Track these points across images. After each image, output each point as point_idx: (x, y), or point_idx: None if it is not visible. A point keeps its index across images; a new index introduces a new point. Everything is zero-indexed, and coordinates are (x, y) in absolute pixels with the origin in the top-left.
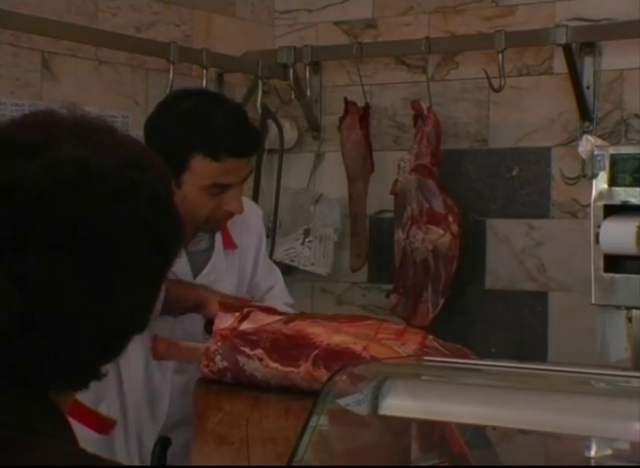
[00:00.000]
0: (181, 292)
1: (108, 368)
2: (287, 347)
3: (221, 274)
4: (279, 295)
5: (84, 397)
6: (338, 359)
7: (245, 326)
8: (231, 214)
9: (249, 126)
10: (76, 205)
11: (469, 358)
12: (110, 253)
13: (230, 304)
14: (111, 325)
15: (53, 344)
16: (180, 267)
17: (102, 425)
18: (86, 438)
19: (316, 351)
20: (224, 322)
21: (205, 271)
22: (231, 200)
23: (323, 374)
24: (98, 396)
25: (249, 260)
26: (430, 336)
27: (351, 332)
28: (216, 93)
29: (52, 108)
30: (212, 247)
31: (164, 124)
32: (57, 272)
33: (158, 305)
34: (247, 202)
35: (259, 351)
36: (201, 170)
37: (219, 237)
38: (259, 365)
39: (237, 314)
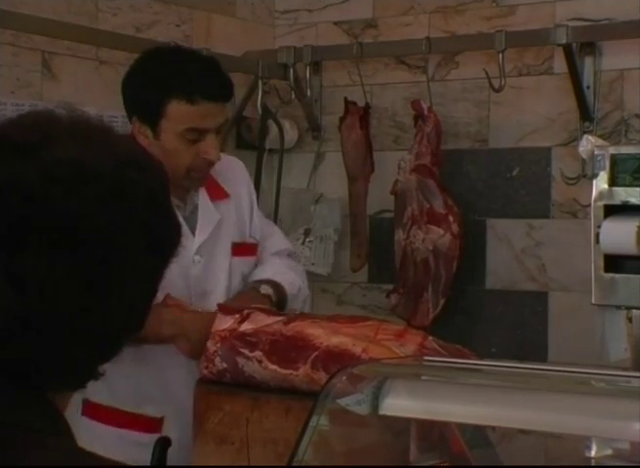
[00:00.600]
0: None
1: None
2: (286, 349)
3: (219, 225)
4: (279, 242)
5: (124, 404)
6: (336, 361)
7: (245, 327)
8: (210, 164)
9: (222, 72)
10: (72, 205)
11: (469, 358)
12: (107, 252)
13: (229, 307)
14: (109, 324)
15: (50, 344)
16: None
17: (150, 425)
18: (135, 439)
19: (315, 353)
20: (223, 323)
21: (198, 226)
22: (208, 148)
23: (322, 377)
24: (140, 400)
25: (245, 209)
26: (430, 337)
27: (351, 334)
28: (189, 47)
29: (49, 108)
30: None
31: (139, 76)
32: (54, 272)
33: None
34: (227, 156)
35: (257, 353)
36: (177, 114)
37: (203, 192)
38: (258, 367)
39: (237, 316)
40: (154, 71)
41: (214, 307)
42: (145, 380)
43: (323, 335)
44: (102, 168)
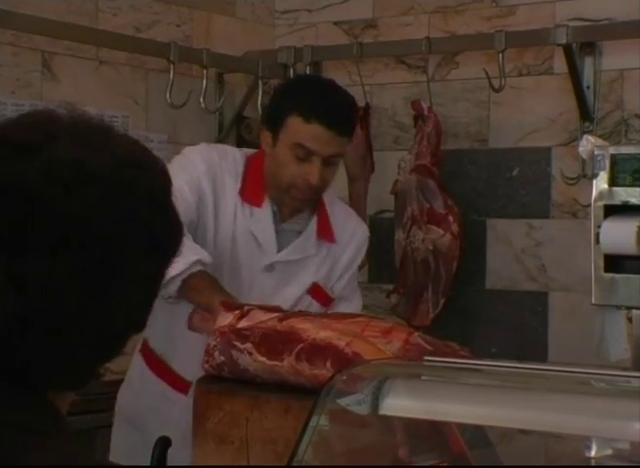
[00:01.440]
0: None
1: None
2: (274, 341)
3: (308, 259)
4: (352, 309)
5: (167, 357)
6: (320, 354)
7: (243, 323)
8: (309, 187)
9: (348, 109)
10: (72, 205)
11: (459, 354)
12: (107, 252)
13: (232, 303)
14: (109, 325)
15: (51, 345)
16: (267, 243)
17: (179, 384)
18: (168, 395)
19: (301, 345)
20: (224, 320)
21: (290, 248)
22: (311, 170)
23: (305, 368)
24: (180, 359)
25: (341, 264)
26: (416, 333)
27: (338, 329)
28: (331, 80)
29: (49, 108)
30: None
31: (279, 91)
32: (54, 272)
33: None
34: (359, 220)
35: (248, 345)
36: (293, 128)
37: (314, 221)
38: (249, 358)
39: (237, 312)
40: (290, 88)
41: None
42: (190, 344)
43: (311, 329)
44: (102, 168)
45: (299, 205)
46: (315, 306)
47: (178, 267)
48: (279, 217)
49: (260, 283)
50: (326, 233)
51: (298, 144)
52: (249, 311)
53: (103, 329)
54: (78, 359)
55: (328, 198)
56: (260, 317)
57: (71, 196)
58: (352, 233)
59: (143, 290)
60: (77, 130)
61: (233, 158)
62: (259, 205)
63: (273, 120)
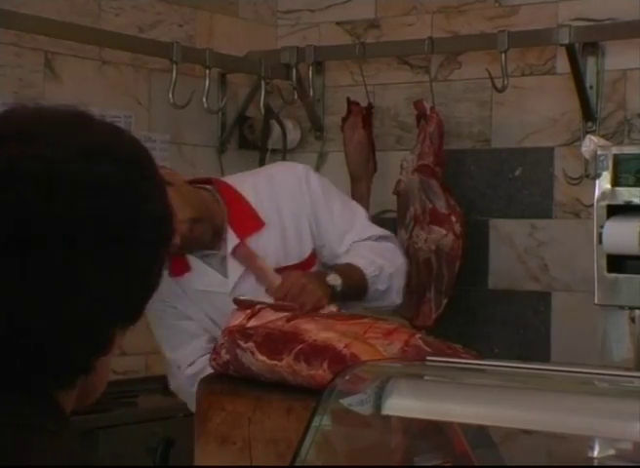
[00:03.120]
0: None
1: None
2: (276, 341)
3: (252, 264)
4: (359, 233)
5: None
6: (318, 355)
7: (252, 323)
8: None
9: None
10: (37, 201)
11: (461, 356)
12: (72, 249)
13: (245, 301)
14: (83, 319)
15: (34, 345)
16: (213, 285)
17: None
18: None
19: (300, 346)
20: (236, 319)
21: (229, 268)
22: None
23: (303, 368)
24: None
25: (294, 227)
26: (418, 335)
27: (341, 330)
28: None
29: (18, 102)
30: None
31: None
32: (25, 270)
33: None
34: (277, 167)
35: (250, 344)
36: None
37: (230, 234)
38: (251, 357)
39: (248, 311)
40: None
41: None
42: None
43: (314, 330)
44: (67, 162)
45: (202, 245)
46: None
47: None
48: (212, 255)
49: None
50: (248, 226)
51: None
52: (260, 310)
53: (78, 324)
54: (63, 357)
55: (236, 182)
56: (269, 317)
57: (35, 192)
58: (276, 192)
59: (127, 282)
60: (30, 127)
61: None
62: (187, 269)
63: None
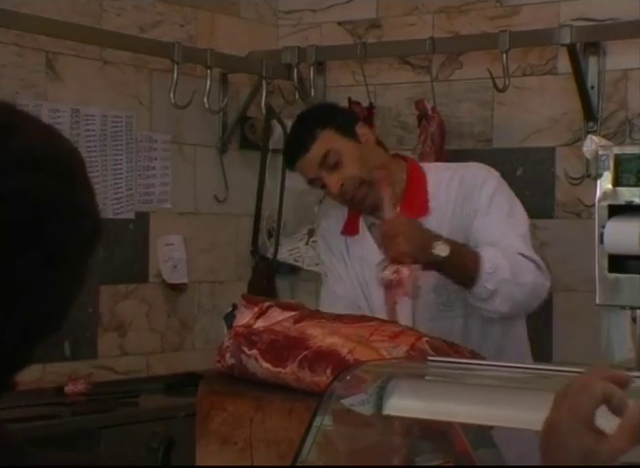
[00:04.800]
0: None
1: None
2: (280, 348)
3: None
4: (510, 246)
5: None
6: (322, 361)
7: (259, 324)
8: (339, 196)
9: (299, 126)
10: None
11: (468, 358)
12: None
13: (253, 298)
14: (13, 337)
15: None
16: (373, 255)
17: None
18: None
19: (304, 353)
20: (244, 317)
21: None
22: (328, 186)
23: (306, 375)
24: None
25: (451, 222)
26: (424, 338)
27: (346, 334)
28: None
29: None
30: None
31: None
32: None
33: None
34: (470, 166)
35: (254, 351)
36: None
37: (398, 209)
38: (255, 364)
39: (256, 309)
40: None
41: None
42: None
43: (319, 336)
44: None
45: (367, 207)
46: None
47: None
48: (379, 225)
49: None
50: (415, 209)
51: (308, 182)
52: (268, 308)
53: (20, 340)
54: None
55: (428, 169)
56: (276, 316)
57: None
58: (452, 188)
59: (54, 297)
60: None
61: (338, 213)
62: (355, 232)
63: None
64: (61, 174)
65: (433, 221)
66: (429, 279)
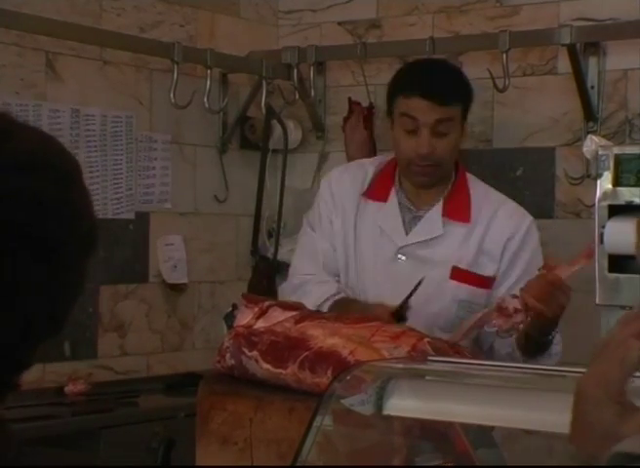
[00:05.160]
0: None
1: None
2: (281, 349)
3: (437, 241)
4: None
5: None
6: (323, 362)
7: (260, 324)
8: (421, 158)
9: (446, 78)
10: None
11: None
12: None
13: (253, 297)
14: (13, 337)
15: None
16: (393, 230)
17: None
18: None
19: (305, 353)
20: (245, 317)
21: (417, 227)
22: (420, 140)
23: (307, 376)
24: None
25: (491, 243)
26: (426, 339)
27: (347, 334)
28: (439, 59)
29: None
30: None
31: (390, 81)
32: None
33: None
34: (516, 210)
35: (255, 353)
36: (398, 105)
37: (440, 203)
38: (255, 365)
39: (256, 309)
40: (396, 74)
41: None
42: None
43: (320, 336)
44: None
45: (424, 181)
46: (464, 290)
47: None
48: (413, 207)
49: (394, 272)
50: (458, 213)
51: (402, 114)
52: (269, 308)
53: (20, 340)
54: (1, 375)
55: (472, 180)
56: (277, 316)
57: None
58: (501, 220)
59: (53, 298)
60: None
61: (360, 167)
62: (384, 199)
63: (388, 105)
64: (57, 176)
65: (471, 233)
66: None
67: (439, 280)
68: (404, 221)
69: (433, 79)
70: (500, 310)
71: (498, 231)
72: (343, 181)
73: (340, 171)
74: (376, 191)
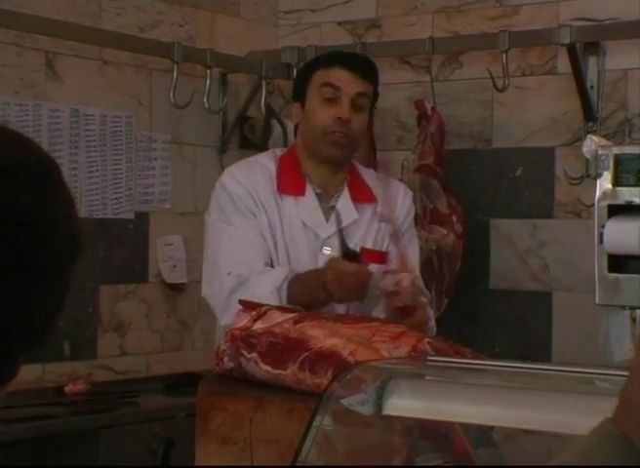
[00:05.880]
0: (307, 292)
1: None
2: (280, 350)
3: (354, 226)
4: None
5: None
6: (323, 362)
7: (258, 325)
8: (342, 124)
9: (365, 57)
10: None
11: (469, 358)
12: None
13: (250, 302)
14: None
15: None
16: (316, 224)
17: None
18: None
19: (305, 354)
20: (241, 321)
21: (333, 216)
22: (341, 107)
23: (307, 377)
24: None
25: (397, 216)
26: (426, 339)
27: (347, 335)
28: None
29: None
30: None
31: (300, 68)
32: None
33: None
34: (398, 184)
35: (254, 355)
36: (318, 77)
37: (346, 191)
38: (255, 367)
39: (254, 313)
40: (311, 59)
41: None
42: None
43: (320, 337)
44: None
45: (338, 154)
46: (374, 270)
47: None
48: (325, 198)
49: (323, 263)
50: (363, 195)
51: (324, 84)
52: (266, 311)
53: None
54: None
55: (360, 167)
56: (276, 318)
57: None
58: (390, 193)
59: (32, 309)
60: None
61: (261, 166)
62: (301, 193)
63: (300, 86)
64: (33, 182)
65: (375, 212)
66: None
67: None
68: (323, 212)
69: (353, 55)
70: (389, 294)
71: (393, 208)
72: (254, 179)
73: (243, 169)
74: (289, 186)
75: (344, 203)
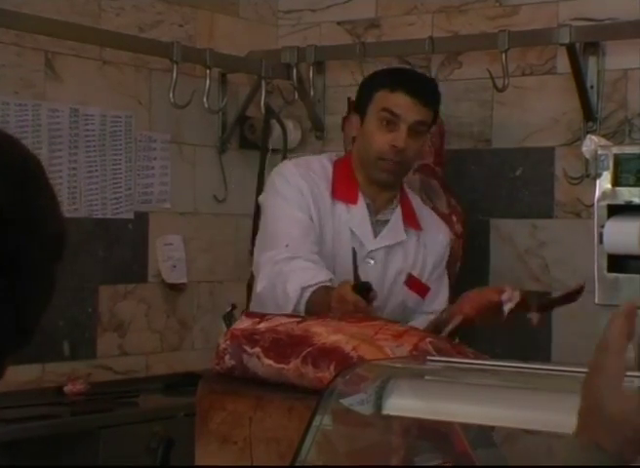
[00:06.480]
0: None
1: None
2: (284, 345)
3: (399, 246)
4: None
5: None
6: (325, 357)
7: (261, 326)
8: (397, 153)
9: (431, 83)
10: None
11: (469, 358)
12: None
13: (254, 313)
14: None
15: None
16: (364, 235)
17: None
18: None
19: (308, 349)
20: (242, 324)
21: (382, 234)
22: (398, 135)
23: (309, 371)
24: None
25: (431, 252)
26: (428, 338)
27: (351, 332)
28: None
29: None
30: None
31: (364, 80)
32: None
33: None
34: (439, 222)
35: (257, 349)
36: (379, 99)
37: (398, 210)
38: (257, 362)
39: (257, 319)
40: (376, 73)
41: None
42: None
43: (324, 333)
44: None
45: (388, 179)
46: (411, 298)
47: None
48: (373, 210)
49: (364, 274)
50: (411, 220)
51: (384, 109)
52: (272, 317)
53: None
54: None
55: (409, 192)
56: (279, 319)
57: None
58: (434, 227)
59: (17, 310)
60: None
61: (321, 166)
62: (354, 201)
63: (361, 101)
64: (16, 180)
65: (419, 241)
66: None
67: (394, 284)
68: (371, 225)
69: (419, 80)
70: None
71: (435, 243)
72: (314, 177)
73: (302, 165)
74: (343, 192)
75: (396, 221)
